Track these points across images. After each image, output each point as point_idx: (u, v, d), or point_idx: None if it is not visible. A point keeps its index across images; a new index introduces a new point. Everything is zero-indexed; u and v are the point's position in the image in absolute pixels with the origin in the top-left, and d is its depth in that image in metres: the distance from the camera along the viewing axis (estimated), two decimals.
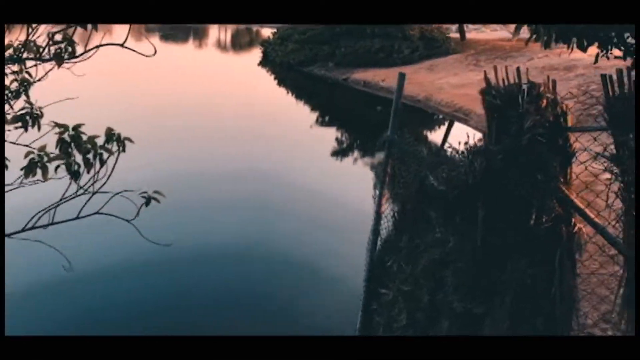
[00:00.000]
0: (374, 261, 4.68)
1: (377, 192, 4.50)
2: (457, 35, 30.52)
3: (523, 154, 3.63)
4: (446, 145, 4.04)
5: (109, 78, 21.26)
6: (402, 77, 4.24)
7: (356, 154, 15.85)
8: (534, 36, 2.53)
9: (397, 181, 4.37)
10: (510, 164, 3.71)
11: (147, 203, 2.87)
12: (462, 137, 3.98)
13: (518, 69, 3.75)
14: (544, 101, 3.55)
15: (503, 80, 3.78)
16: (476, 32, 35.79)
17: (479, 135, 3.90)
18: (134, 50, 2.92)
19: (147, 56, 2.97)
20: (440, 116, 19.66)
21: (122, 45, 2.88)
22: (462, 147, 3.86)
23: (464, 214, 3.92)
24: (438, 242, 4.09)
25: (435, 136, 17.87)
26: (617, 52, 5.48)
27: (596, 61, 4.30)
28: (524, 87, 3.53)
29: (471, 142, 3.80)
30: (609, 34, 2.55)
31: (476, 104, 18.90)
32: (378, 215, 4.56)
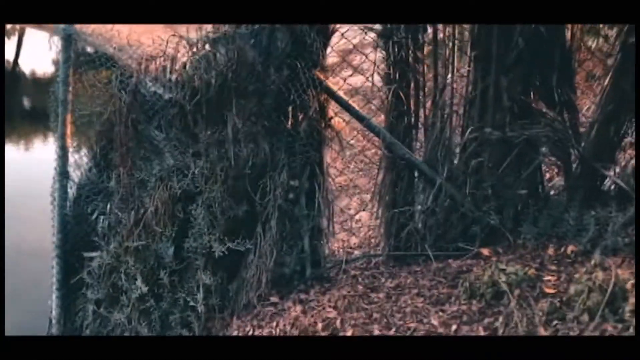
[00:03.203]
0: (67, 217, 3.21)
1: (58, 116, 2.97)
2: None
3: (280, 34, 2.78)
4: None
5: None
6: None
7: None
8: None
9: (91, 95, 2.94)
10: (264, 51, 2.82)
11: None
12: None
13: None
14: None
15: None
16: None
17: None
18: None
19: None
20: None
21: None
22: (194, 34, 2.75)
23: (208, 126, 2.89)
24: (174, 170, 2.97)
25: None
26: None
27: None
28: None
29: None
30: None
31: None
32: (63, 149, 3.05)
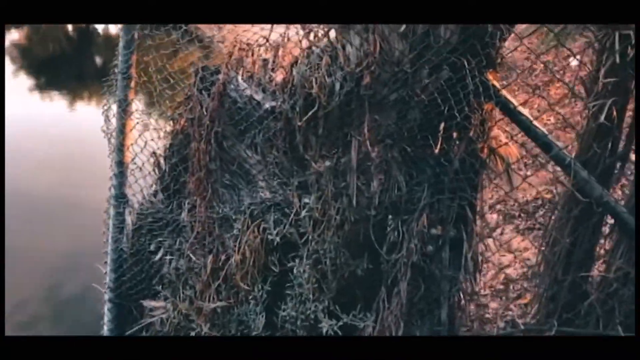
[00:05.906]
0: (124, 254, 2.40)
1: (114, 119, 2.12)
2: None
3: None
4: None
5: None
6: None
7: None
8: None
9: (160, 93, 2.08)
10: (419, 43, 1.85)
11: None
12: None
13: None
14: None
15: None
16: None
17: None
18: None
19: None
20: None
21: None
22: None
23: (323, 148, 1.97)
24: (271, 207, 2.08)
25: None
26: None
27: None
28: None
29: None
30: None
31: None
32: (121, 166, 2.22)
